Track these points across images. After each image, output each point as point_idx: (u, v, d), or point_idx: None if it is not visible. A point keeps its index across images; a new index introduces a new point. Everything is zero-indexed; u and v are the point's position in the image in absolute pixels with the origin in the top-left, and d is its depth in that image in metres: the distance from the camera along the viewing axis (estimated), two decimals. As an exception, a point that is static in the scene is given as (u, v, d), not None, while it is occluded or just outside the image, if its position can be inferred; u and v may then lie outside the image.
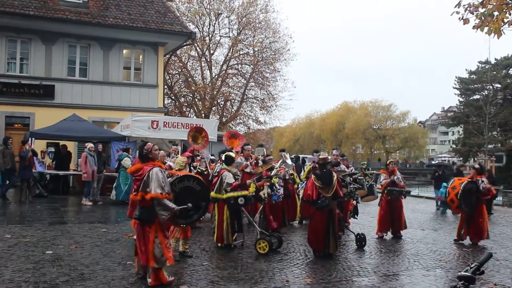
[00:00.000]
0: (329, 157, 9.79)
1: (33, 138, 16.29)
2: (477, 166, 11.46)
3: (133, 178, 6.92)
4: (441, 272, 8.13)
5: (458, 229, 11.10)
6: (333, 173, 9.06)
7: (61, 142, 18.28)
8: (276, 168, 10.30)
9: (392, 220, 11.22)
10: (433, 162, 64.46)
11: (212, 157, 14.92)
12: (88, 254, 8.21)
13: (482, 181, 10.89)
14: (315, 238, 8.80)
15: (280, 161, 11.17)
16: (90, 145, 15.18)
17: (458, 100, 59.21)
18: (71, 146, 19.46)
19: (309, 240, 8.99)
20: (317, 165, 9.53)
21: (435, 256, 9.37)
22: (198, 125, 14.77)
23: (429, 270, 8.17)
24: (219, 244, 9.12)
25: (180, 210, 6.45)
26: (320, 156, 9.31)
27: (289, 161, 11.54)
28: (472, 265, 2.84)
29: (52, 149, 18.73)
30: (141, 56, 22.54)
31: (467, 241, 10.89)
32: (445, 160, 73.26)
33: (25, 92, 20.23)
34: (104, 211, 13.80)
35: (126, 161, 14.39)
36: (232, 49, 36.08)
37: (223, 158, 9.71)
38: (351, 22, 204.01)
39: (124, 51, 22.28)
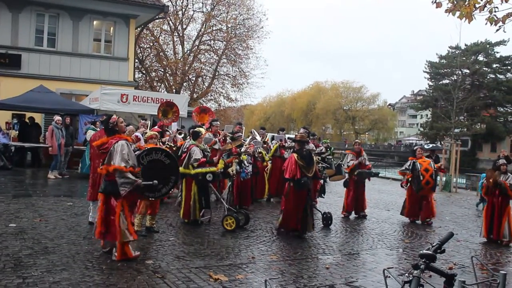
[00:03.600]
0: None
1: (-2, 109, 15.89)
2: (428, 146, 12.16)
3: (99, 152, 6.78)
4: (404, 251, 8.31)
5: (410, 209, 11.30)
6: (311, 152, 9.09)
7: (28, 114, 17.85)
8: (245, 145, 10.29)
9: (356, 201, 11.43)
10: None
11: (180, 131, 14.69)
12: (53, 227, 8.09)
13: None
14: (291, 218, 8.63)
15: (250, 138, 11.17)
16: (57, 117, 14.84)
17: (428, 84, 60.31)
18: (38, 118, 19.00)
19: (284, 220, 8.75)
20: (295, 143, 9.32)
21: (399, 236, 9.57)
22: (169, 100, 14.58)
23: (392, 249, 8.35)
24: (186, 220, 9.11)
25: (143, 184, 6.40)
26: (299, 133, 9.19)
27: (258, 138, 11.54)
28: (434, 244, 2.90)
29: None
30: (112, 28, 22.05)
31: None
32: (413, 143, 74.53)
33: (-11, 61, 19.62)
34: (70, 185, 13.61)
35: (89, 134, 14.04)
36: (205, 25, 35.61)
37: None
38: (328, 4, 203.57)
39: (95, 22, 21.74)
